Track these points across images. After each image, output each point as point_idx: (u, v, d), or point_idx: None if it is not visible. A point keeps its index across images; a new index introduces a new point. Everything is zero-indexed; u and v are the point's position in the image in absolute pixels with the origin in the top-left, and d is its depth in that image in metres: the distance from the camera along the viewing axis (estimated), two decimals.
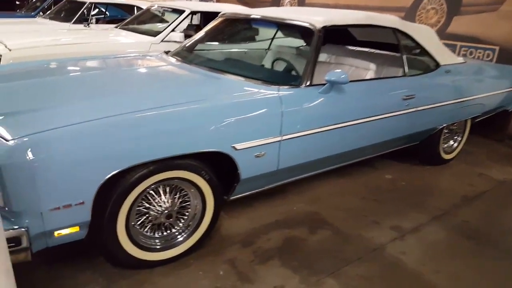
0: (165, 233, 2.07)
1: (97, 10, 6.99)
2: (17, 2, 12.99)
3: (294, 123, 2.25)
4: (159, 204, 1.98)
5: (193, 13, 5.01)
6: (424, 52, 3.14)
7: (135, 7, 6.71)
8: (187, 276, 2.00)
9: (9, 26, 6.09)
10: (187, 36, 4.49)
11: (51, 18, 6.98)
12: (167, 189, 2.00)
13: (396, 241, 2.42)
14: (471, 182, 3.32)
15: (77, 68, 2.70)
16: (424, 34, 3.17)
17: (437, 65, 3.19)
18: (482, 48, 4.56)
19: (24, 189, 1.54)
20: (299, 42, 3.62)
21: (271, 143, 2.17)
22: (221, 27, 3.26)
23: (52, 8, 7.96)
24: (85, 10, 6.40)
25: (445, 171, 3.54)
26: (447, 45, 3.73)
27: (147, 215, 1.98)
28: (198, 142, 1.91)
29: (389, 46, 3.31)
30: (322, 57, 3.24)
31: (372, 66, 3.03)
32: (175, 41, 4.51)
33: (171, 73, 2.56)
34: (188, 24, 5.01)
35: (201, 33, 3.22)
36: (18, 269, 1.40)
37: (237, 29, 3.81)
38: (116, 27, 5.35)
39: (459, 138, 3.72)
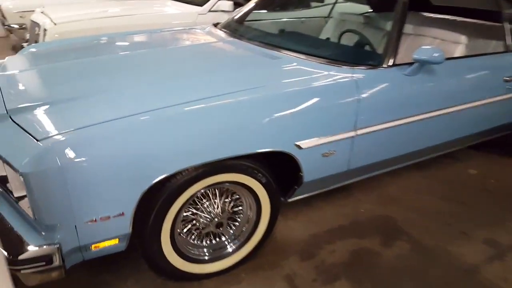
0: (213, 242, 1.76)
1: None
2: None
3: (372, 114, 1.81)
4: (207, 210, 1.66)
5: None
6: None
7: None
8: None
9: None
10: (236, 4, 4.06)
11: None
12: (217, 193, 1.68)
13: (494, 261, 1.95)
14: None
15: (125, 45, 2.39)
16: None
17: None
18: None
19: (56, 199, 1.27)
20: (361, 8, 3.07)
21: (342, 139, 1.75)
22: None
23: None
24: None
25: None
26: None
27: (194, 221, 1.67)
28: (256, 141, 1.54)
29: (482, 13, 2.68)
30: None
31: (464, 39, 2.45)
32: (223, 11, 4.10)
33: (222, 52, 2.17)
34: None
35: (252, 1, 2.79)
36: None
37: None
38: None
39: None
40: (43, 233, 1.34)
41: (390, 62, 1.89)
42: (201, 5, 4.22)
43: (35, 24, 3.77)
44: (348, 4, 3.23)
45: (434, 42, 2.57)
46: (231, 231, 1.79)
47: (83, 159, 1.26)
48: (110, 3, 5.05)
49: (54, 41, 2.95)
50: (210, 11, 4.14)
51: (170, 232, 1.56)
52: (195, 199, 1.63)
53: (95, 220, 1.36)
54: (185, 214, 1.64)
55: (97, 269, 1.80)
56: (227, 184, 1.63)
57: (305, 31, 2.78)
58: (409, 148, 2.11)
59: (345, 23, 2.84)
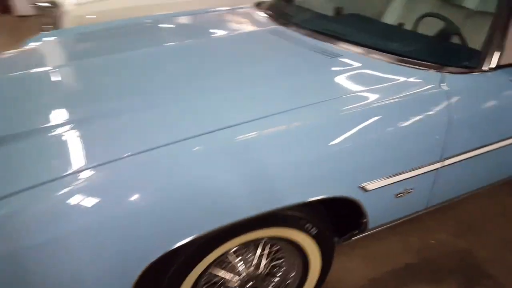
0: None
1: None
2: None
3: (466, 137, 1.31)
4: (236, 270, 1.27)
5: None
6: None
7: None
8: None
9: None
10: None
11: None
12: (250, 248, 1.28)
13: None
14: None
15: (163, 35, 1.97)
16: None
17: None
18: None
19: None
20: None
21: (424, 173, 1.28)
22: None
23: None
24: None
25: None
26: None
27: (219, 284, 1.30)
28: (307, 186, 1.11)
29: None
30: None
31: None
32: None
33: (264, 47, 1.67)
34: None
35: None
36: None
37: None
38: None
39: None
40: None
41: (493, 63, 1.35)
42: None
43: (53, 4, 3.43)
44: None
45: None
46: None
47: (67, 227, 0.88)
48: None
49: (77, 27, 2.54)
50: None
51: None
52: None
53: None
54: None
55: None
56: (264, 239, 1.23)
57: (370, 14, 2.21)
58: (507, 173, 1.59)
59: (423, 3, 2.24)
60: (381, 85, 1.28)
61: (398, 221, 1.57)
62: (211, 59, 1.54)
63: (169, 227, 0.96)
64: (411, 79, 1.31)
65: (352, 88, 1.27)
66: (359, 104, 1.19)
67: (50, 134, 1.08)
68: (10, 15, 6.25)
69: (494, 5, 1.42)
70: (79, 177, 0.91)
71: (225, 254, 1.19)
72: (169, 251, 0.99)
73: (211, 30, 1.94)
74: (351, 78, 1.34)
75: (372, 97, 1.22)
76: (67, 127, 1.10)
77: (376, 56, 1.46)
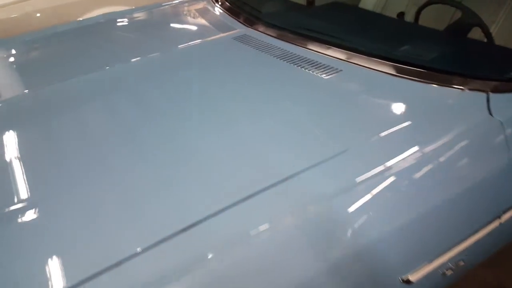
0: None
1: None
2: None
3: None
4: None
5: None
6: None
7: None
8: None
9: None
10: None
11: None
12: None
13: None
14: None
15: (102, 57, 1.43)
16: None
17: None
18: None
19: None
20: None
21: (480, 238, 0.91)
22: None
23: None
24: None
25: None
26: None
27: None
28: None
29: None
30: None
31: None
32: None
33: (240, 67, 1.21)
34: None
35: None
36: None
37: None
38: None
39: None
40: None
41: None
42: None
43: None
44: None
45: None
46: None
47: None
48: None
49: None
50: None
51: None
52: None
53: None
54: None
55: None
56: None
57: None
58: None
59: None
60: (408, 123, 0.88)
61: None
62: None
63: None
64: (451, 101, 0.93)
65: (367, 125, 0.87)
66: (385, 159, 0.79)
67: None
68: None
69: None
70: None
71: None
72: None
73: (164, 39, 1.48)
74: (363, 109, 0.94)
75: (399, 144, 0.83)
76: None
77: (386, 69, 1.07)
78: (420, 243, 0.80)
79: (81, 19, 2.58)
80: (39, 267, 0.63)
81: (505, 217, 0.94)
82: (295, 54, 1.22)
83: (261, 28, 1.40)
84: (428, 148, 0.82)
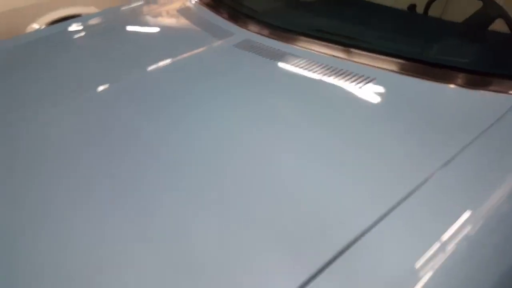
0: None
1: None
2: None
3: None
4: None
5: None
6: None
7: None
8: None
9: None
10: None
11: None
12: None
13: None
14: None
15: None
16: None
17: None
18: None
19: None
20: None
21: None
22: None
23: None
24: None
25: None
26: None
27: None
28: None
29: None
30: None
31: None
32: None
33: (256, 84, 1.00)
34: None
35: None
36: None
37: None
38: None
39: None
40: None
41: None
42: None
43: None
44: None
45: None
46: None
47: None
48: None
49: None
50: None
51: None
52: None
53: None
54: None
55: None
56: None
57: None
58: None
59: None
60: (487, 141, 0.76)
61: None
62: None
63: None
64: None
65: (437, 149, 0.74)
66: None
67: None
68: None
69: None
70: None
71: None
72: None
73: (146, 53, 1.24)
74: (428, 129, 0.80)
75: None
76: None
77: (425, 74, 0.95)
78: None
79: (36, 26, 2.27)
80: None
81: None
82: (315, 61, 1.06)
83: (265, 32, 1.22)
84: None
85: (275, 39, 1.18)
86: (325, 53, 1.09)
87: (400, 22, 1.23)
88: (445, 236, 0.59)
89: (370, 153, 0.75)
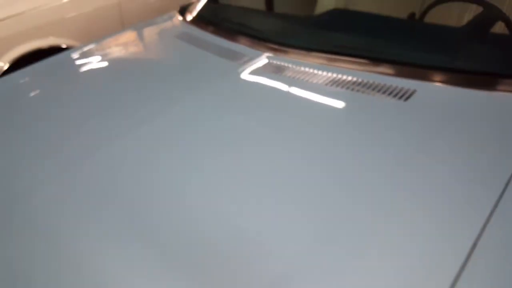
0: None
1: None
2: None
3: None
4: None
5: None
6: None
7: None
8: None
9: None
10: None
11: None
12: None
13: None
14: None
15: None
16: None
17: None
18: None
19: None
20: None
21: None
22: None
23: None
24: None
25: None
26: None
27: None
28: None
29: None
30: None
31: None
32: None
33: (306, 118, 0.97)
34: None
35: None
36: None
37: None
38: None
39: None
40: None
41: None
42: None
43: None
44: None
45: None
46: None
47: None
48: None
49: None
50: None
51: None
52: None
53: None
54: None
55: None
56: None
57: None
58: None
59: None
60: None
61: None
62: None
63: None
64: None
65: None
66: None
67: None
68: None
69: None
70: None
71: None
72: None
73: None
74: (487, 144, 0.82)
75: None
76: None
77: (464, 83, 0.97)
78: None
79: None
80: None
81: None
82: (346, 79, 1.06)
83: (292, 54, 1.19)
84: None
85: (302, 60, 1.17)
86: (354, 69, 1.09)
87: (420, 33, 1.25)
88: None
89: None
